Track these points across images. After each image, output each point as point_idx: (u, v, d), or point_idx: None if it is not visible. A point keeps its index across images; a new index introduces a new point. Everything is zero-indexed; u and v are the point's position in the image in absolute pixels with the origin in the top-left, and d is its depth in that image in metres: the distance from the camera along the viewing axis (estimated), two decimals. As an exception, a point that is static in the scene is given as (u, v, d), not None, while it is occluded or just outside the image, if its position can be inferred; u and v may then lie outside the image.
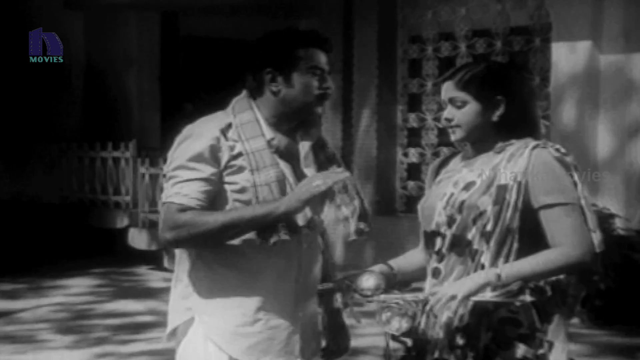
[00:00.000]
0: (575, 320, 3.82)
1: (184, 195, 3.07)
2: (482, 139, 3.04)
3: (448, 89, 3.06)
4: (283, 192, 3.10)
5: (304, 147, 3.23)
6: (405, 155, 11.61)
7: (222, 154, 3.10)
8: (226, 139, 3.11)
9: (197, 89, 13.48)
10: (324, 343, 3.40)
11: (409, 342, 3.00)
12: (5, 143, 13.22)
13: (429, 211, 3.07)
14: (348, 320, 3.40)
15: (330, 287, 3.12)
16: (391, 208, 11.60)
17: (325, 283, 3.16)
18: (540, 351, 2.92)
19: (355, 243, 3.24)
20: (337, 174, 3.04)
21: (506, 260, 2.91)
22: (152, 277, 11.01)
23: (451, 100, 3.04)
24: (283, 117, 3.19)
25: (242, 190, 3.10)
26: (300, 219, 3.10)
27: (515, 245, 2.93)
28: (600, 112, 9.45)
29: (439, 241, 3.02)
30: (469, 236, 2.95)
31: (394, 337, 2.96)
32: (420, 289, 3.03)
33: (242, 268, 3.13)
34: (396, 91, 11.64)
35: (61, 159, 13.04)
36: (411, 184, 11.53)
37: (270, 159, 3.12)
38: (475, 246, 2.95)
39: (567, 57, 9.52)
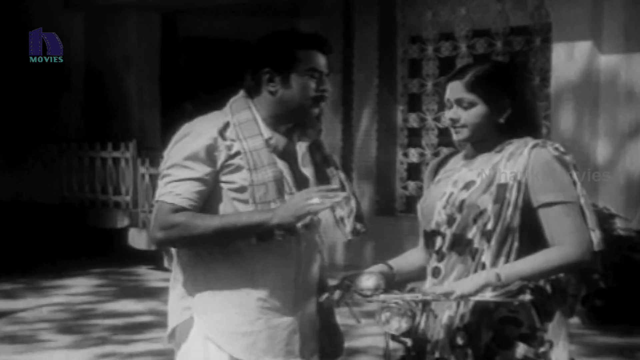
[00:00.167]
0: (575, 320, 3.81)
1: (176, 195, 3.07)
2: (485, 139, 3.04)
3: (455, 90, 3.04)
4: (280, 192, 3.10)
5: (301, 147, 3.24)
6: (406, 155, 11.61)
7: (219, 153, 3.09)
8: (224, 138, 3.11)
9: (197, 89, 13.49)
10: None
11: (408, 342, 3.00)
12: (5, 143, 13.23)
13: (428, 210, 3.07)
14: (348, 321, 3.40)
15: (332, 299, 3.08)
16: (391, 208, 11.60)
17: (325, 293, 3.12)
18: (542, 350, 2.92)
19: (355, 243, 3.25)
20: (335, 195, 3.02)
21: (507, 259, 2.91)
22: (152, 277, 11.01)
23: (458, 101, 3.03)
24: (280, 118, 3.19)
25: (240, 189, 3.10)
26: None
27: (516, 244, 2.93)
28: (600, 112, 9.45)
29: (439, 240, 3.02)
30: (470, 235, 2.95)
31: (394, 337, 2.96)
32: (417, 288, 3.03)
33: (241, 267, 3.13)
34: (396, 91, 11.64)
35: (61, 159, 13.05)
36: (411, 184, 11.53)
37: (268, 158, 3.12)
38: (475, 245, 2.95)
39: (567, 57, 9.52)
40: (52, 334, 8.11)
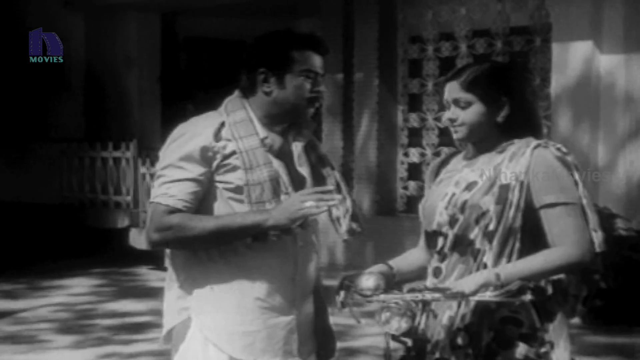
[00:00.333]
0: (575, 320, 3.79)
1: (170, 196, 3.07)
2: (485, 138, 3.04)
3: (452, 90, 3.05)
4: (276, 192, 3.10)
5: (297, 147, 3.24)
6: (406, 155, 11.61)
7: (214, 153, 3.09)
8: (219, 138, 3.11)
9: (197, 89, 13.49)
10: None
11: (408, 342, 3.00)
12: (5, 143, 13.23)
13: (430, 211, 3.07)
14: (348, 321, 3.39)
15: (337, 301, 3.04)
16: (392, 208, 11.60)
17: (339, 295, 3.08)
18: (542, 350, 2.92)
19: (355, 243, 3.25)
20: (330, 198, 3.03)
21: (508, 260, 2.91)
22: (153, 277, 11.01)
23: (455, 101, 3.04)
24: (275, 118, 3.19)
25: (236, 189, 3.10)
26: None
27: (518, 244, 2.93)
28: (600, 112, 9.46)
29: (440, 241, 3.02)
30: (472, 236, 2.95)
31: (394, 337, 2.96)
32: (417, 287, 3.02)
33: (238, 266, 3.13)
34: (396, 91, 11.64)
35: (61, 159, 13.04)
36: (412, 184, 11.53)
37: (264, 157, 3.12)
38: (477, 246, 2.95)
39: (567, 57, 9.52)
40: (53, 334, 8.12)
